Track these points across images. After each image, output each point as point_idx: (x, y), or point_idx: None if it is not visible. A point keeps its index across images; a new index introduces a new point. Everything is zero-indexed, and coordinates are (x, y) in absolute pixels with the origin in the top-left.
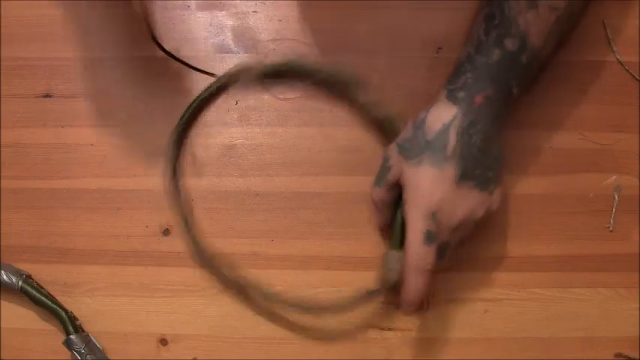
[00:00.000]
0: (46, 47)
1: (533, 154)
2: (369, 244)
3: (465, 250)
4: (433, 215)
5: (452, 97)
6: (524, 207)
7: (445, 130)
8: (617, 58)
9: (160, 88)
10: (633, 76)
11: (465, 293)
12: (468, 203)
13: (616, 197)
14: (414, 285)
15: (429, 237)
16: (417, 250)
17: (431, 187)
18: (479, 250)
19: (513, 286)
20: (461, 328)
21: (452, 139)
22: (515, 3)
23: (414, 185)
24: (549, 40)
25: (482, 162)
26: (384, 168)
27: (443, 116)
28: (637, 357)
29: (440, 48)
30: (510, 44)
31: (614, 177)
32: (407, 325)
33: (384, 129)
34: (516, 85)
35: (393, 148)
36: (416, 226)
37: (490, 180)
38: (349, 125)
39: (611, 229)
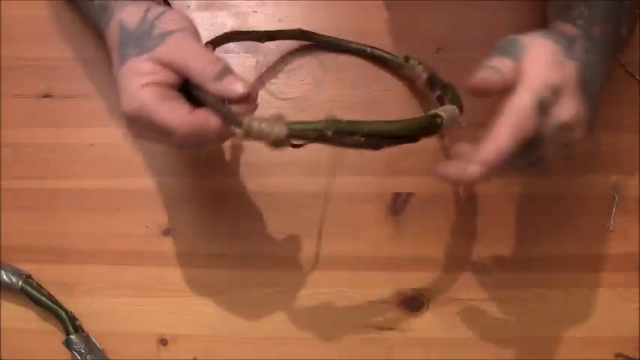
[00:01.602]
0: (46, 47)
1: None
2: (369, 244)
3: (465, 252)
4: (552, 89)
5: (572, 23)
6: (525, 207)
7: (573, 38)
8: (617, 58)
9: None
10: (633, 76)
11: (465, 293)
12: (580, 109)
13: (616, 197)
14: (501, 144)
15: (541, 106)
16: (524, 111)
17: (560, 65)
18: (479, 250)
19: (513, 286)
20: (461, 328)
21: (579, 46)
22: None
23: (546, 55)
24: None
25: (593, 87)
26: (511, 45)
27: (567, 31)
28: (637, 357)
29: (440, 48)
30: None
31: (614, 177)
32: (407, 325)
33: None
34: (625, 25)
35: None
36: (532, 90)
37: (592, 109)
38: None
39: (611, 229)
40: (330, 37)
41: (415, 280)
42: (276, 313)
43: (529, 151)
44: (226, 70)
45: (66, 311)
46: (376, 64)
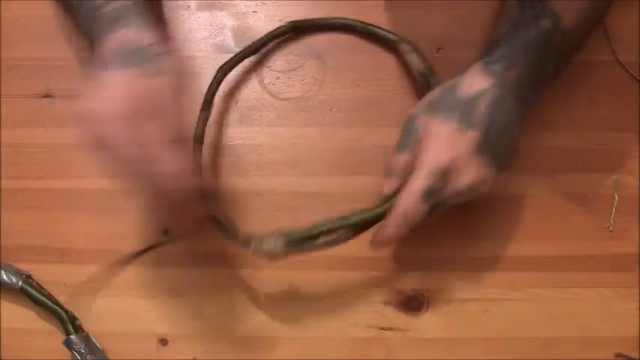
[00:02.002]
0: (46, 47)
1: (533, 154)
2: (369, 243)
3: (465, 252)
4: (441, 173)
5: (487, 69)
6: (525, 207)
7: (478, 96)
8: (617, 58)
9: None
10: (633, 76)
11: (465, 293)
12: (479, 174)
13: (616, 197)
14: (392, 231)
15: (429, 194)
16: (412, 201)
17: (450, 143)
18: (479, 250)
19: (513, 286)
20: (461, 328)
21: (482, 106)
22: None
23: (435, 137)
24: (580, 24)
25: (502, 140)
26: (410, 131)
27: (477, 84)
28: (637, 357)
29: (440, 48)
30: (546, 23)
31: (614, 177)
32: (407, 325)
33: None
34: (552, 62)
35: (419, 107)
36: (421, 178)
37: (503, 161)
38: (349, 125)
39: (611, 229)
40: (319, 18)
41: (415, 280)
42: (276, 313)
43: (434, 211)
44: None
45: (66, 311)
46: (372, 42)
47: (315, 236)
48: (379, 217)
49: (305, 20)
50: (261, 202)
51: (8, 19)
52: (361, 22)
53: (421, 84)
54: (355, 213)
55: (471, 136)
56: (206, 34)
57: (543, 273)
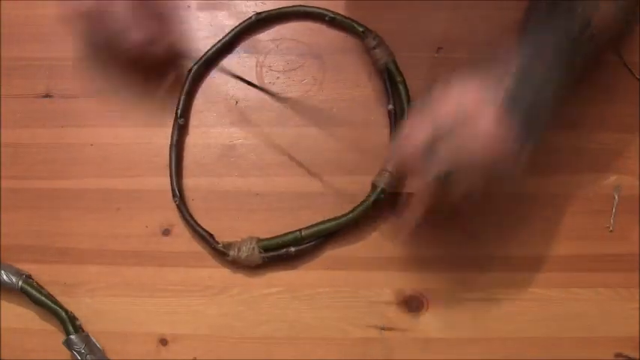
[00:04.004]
0: (46, 47)
1: (533, 154)
2: (369, 244)
3: (465, 252)
4: (453, 118)
5: (521, 48)
6: (525, 207)
7: (512, 60)
8: (617, 58)
9: (160, 88)
10: (634, 75)
11: (465, 293)
12: (499, 131)
13: (616, 197)
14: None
15: (436, 137)
16: (411, 129)
17: (474, 89)
18: (479, 250)
19: (513, 286)
20: (461, 328)
21: (515, 64)
22: None
23: (459, 87)
24: (610, 24)
25: (533, 98)
26: (428, 98)
27: (511, 55)
28: (637, 357)
29: (440, 48)
30: (573, 23)
31: (614, 177)
32: (407, 325)
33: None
34: (580, 56)
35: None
36: (426, 123)
37: (530, 124)
38: (349, 125)
39: (611, 229)
40: (284, 7)
41: (415, 280)
42: (276, 313)
43: (454, 179)
44: None
45: (66, 311)
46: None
47: (288, 243)
48: (346, 225)
49: (270, 10)
50: (261, 202)
51: (8, 19)
52: (328, 10)
53: (385, 78)
54: (323, 222)
55: (499, 86)
56: (206, 33)
57: (543, 273)
